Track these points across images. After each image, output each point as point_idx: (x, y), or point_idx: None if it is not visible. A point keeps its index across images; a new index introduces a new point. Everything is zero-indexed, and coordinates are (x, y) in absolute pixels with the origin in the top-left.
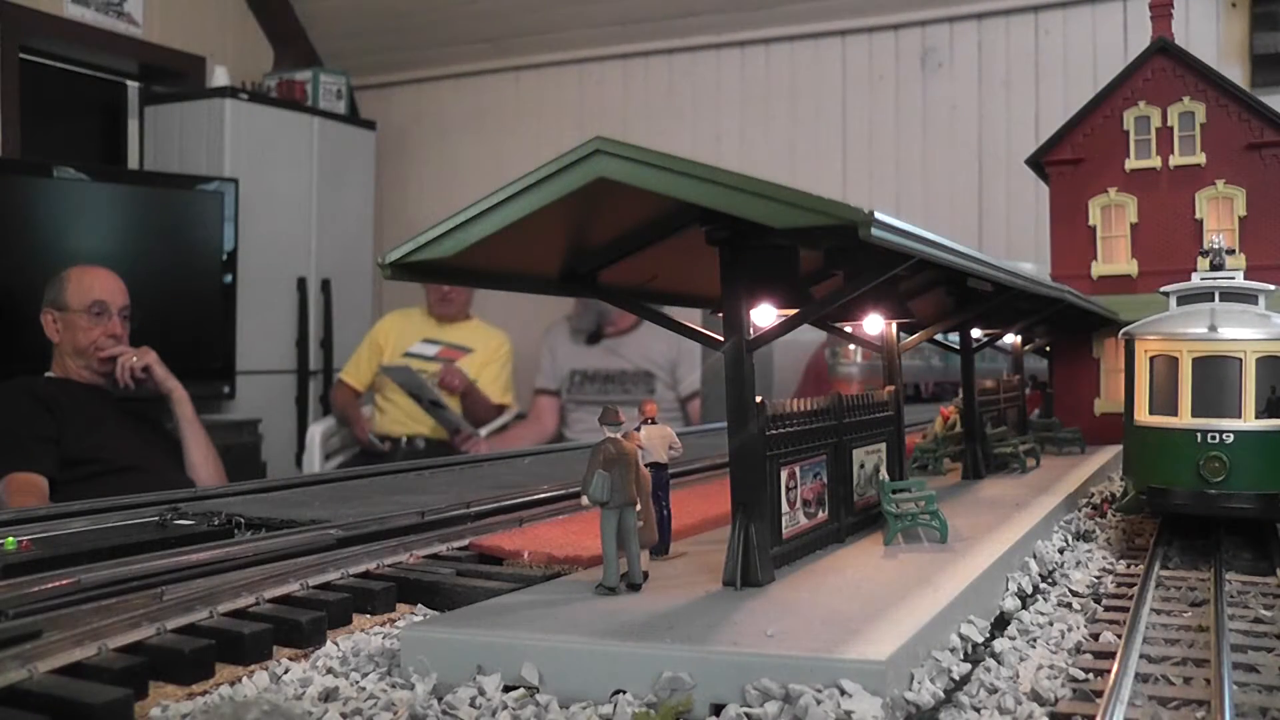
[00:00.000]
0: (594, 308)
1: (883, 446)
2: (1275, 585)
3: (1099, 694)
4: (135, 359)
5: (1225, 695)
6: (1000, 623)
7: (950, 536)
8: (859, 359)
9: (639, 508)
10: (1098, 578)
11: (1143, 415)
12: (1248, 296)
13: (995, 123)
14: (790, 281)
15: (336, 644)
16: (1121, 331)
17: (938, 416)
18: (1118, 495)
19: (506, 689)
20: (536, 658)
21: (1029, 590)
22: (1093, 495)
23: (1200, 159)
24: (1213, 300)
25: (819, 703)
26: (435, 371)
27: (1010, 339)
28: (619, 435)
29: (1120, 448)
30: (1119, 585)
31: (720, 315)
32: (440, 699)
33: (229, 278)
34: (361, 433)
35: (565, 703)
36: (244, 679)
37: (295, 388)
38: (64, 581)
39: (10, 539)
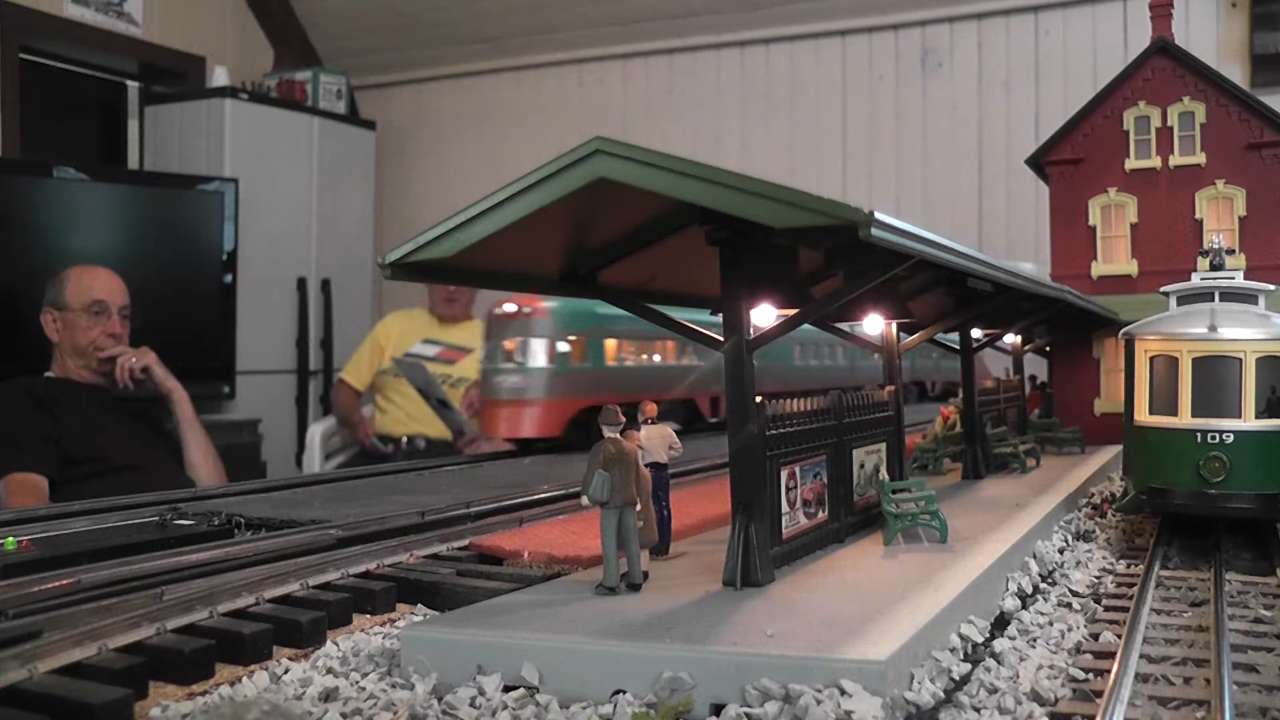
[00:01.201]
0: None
1: (883, 446)
2: (1275, 585)
3: (1099, 694)
4: (134, 359)
5: (1225, 695)
6: (1000, 623)
7: (950, 536)
8: (541, 359)
9: (639, 508)
10: (1098, 578)
11: (1143, 415)
12: (1248, 296)
13: (995, 123)
14: (790, 281)
15: (336, 644)
16: (1121, 331)
17: (938, 416)
18: (1118, 495)
19: (506, 689)
20: (536, 658)
21: (1029, 590)
22: (1093, 495)
23: (1200, 159)
24: (1213, 300)
25: (819, 703)
26: (453, 375)
27: (1010, 339)
28: (619, 435)
29: (1120, 448)
30: (1119, 585)
31: (720, 315)
32: (440, 699)
33: (229, 278)
34: (364, 435)
35: (565, 703)
36: (244, 679)
37: (295, 388)
38: (64, 581)
39: (10, 539)
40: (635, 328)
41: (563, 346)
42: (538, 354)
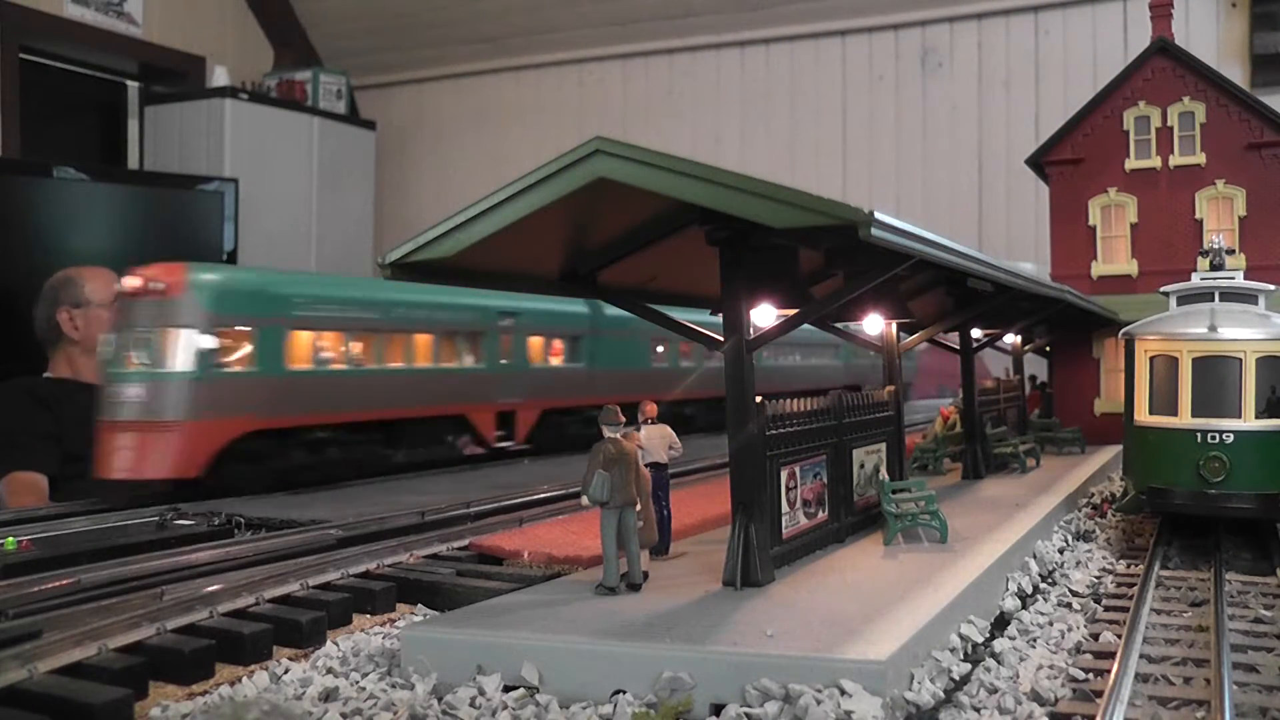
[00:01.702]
0: None
1: (883, 446)
2: (1275, 585)
3: (1099, 694)
4: None
5: (1225, 695)
6: (1000, 623)
7: (950, 536)
8: (177, 360)
9: (639, 508)
10: (1098, 578)
11: (1143, 415)
12: (1248, 296)
13: (995, 123)
14: (790, 281)
15: (336, 644)
16: (1121, 331)
17: (938, 416)
18: (1118, 495)
19: (506, 689)
20: (536, 658)
21: (1029, 590)
22: (1093, 495)
23: (1200, 159)
24: (1213, 300)
25: (819, 703)
26: None
27: (1010, 339)
28: (619, 435)
29: (1120, 448)
30: (1119, 585)
31: (720, 315)
32: (440, 699)
33: None
34: None
35: (565, 703)
36: (244, 679)
37: None
38: (64, 581)
39: (10, 539)
40: (350, 315)
41: (208, 342)
42: (172, 353)
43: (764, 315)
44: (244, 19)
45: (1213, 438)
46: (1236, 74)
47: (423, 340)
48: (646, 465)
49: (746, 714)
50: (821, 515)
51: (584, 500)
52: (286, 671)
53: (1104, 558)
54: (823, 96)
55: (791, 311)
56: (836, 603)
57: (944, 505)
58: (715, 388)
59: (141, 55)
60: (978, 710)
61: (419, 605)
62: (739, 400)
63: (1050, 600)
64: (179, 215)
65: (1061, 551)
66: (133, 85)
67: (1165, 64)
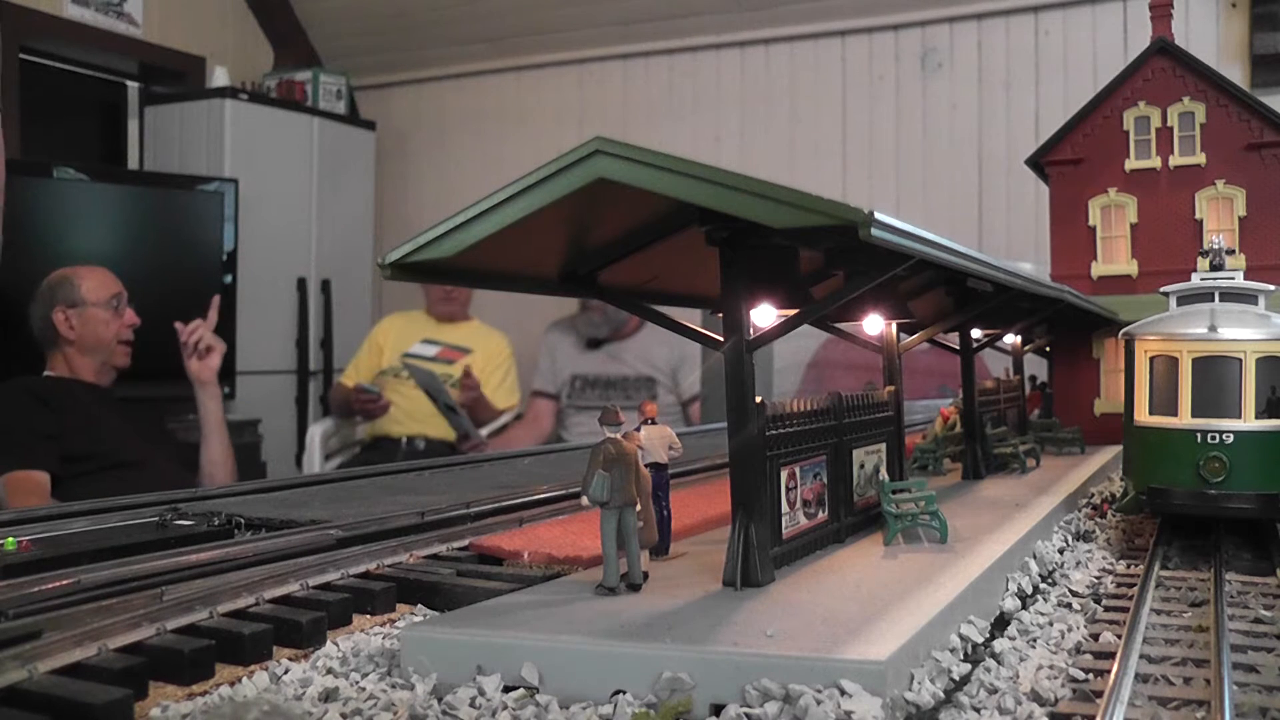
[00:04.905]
0: (607, 314)
1: (883, 446)
2: (1275, 585)
3: (1099, 694)
4: (210, 338)
5: (1225, 695)
6: (1000, 623)
7: (950, 536)
8: None
9: (639, 508)
10: (1098, 578)
11: (1143, 415)
12: (1248, 297)
13: (995, 123)
14: (790, 281)
15: (336, 644)
16: (1121, 331)
17: (938, 417)
18: (1118, 495)
19: (506, 689)
20: (536, 658)
21: (1029, 590)
22: (1093, 495)
23: (1200, 159)
24: (1213, 300)
25: (819, 703)
26: (455, 376)
27: (1010, 339)
28: (619, 435)
29: (1120, 448)
30: (1119, 585)
31: (720, 315)
32: (440, 699)
33: (229, 278)
34: (353, 391)
35: (565, 703)
36: (244, 679)
37: (295, 388)
38: (64, 581)
39: (10, 539)
40: None
41: None
42: None
43: (764, 315)
44: (244, 19)
45: (1212, 438)
46: (1236, 74)
47: None
48: (646, 465)
49: (746, 714)
50: (821, 515)
51: (584, 500)
52: (286, 671)
53: (1104, 558)
54: (823, 96)
55: (791, 311)
56: (836, 603)
57: (944, 505)
58: None
59: (141, 55)
60: (978, 710)
61: (419, 605)
62: (739, 400)
63: (1050, 600)
64: (179, 215)
65: (1061, 552)
66: (133, 85)
67: (1165, 64)
